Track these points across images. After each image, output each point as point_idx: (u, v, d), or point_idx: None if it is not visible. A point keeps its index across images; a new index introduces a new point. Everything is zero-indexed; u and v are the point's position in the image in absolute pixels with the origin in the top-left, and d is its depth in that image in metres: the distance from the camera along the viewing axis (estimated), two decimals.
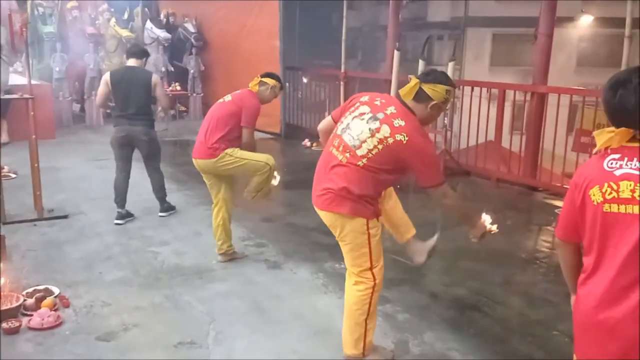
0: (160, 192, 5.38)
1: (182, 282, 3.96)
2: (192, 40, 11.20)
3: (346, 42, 8.91)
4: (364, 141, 2.69)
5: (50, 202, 5.34)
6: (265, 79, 4.29)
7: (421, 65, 7.14)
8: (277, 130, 9.69)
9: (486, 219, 2.97)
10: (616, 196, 1.68)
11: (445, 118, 7.03)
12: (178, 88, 10.71)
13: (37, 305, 3.38)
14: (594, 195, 1.73)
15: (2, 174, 5.67)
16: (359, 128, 2.73)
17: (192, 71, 11.21)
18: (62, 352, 3.05)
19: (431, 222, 3.13)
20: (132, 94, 5.06)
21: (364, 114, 2.77)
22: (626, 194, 1.65)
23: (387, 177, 2.77)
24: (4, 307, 3.24)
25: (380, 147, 2.67)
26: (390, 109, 2.73)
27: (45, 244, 4.56)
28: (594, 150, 1.79)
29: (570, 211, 1.86)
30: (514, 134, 7.14)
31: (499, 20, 20.33)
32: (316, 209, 2.92)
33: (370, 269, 2.86)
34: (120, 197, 5.19)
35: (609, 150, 1.74)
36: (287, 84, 9.87)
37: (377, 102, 2.79)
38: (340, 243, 2.92)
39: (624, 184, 1.66)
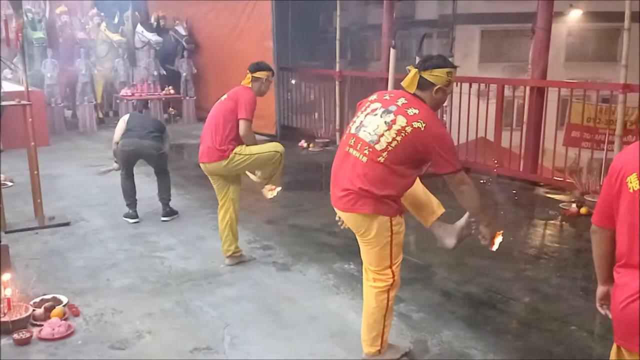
0: (166, 194, 5.35)
1: (191, 287, 3.89)
2: (184, 43, 11.14)
3: (340, 41, 8.85)
4: (382, 135, 2.66)
5: (49, 209, 5.25)
6: (256, 74, 4.24)
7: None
8: (272, 132, 9.63)
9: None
10: None
11: (444, 115, 7.01)
12: (172, 91, 10.62)
13: (46, 315, 3.30)
14: (630, 182, 1.72)
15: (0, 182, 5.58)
16: (375, 123, 2.71)
17: (184, 74, 11.14)
18: None
19: (453, 205, 3.02)
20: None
21: (376, 109, 2.75)
22: None
23: (408, 172, 2.72)
24: (13, 318, 3.16)
25: (399, 138, 2.64)
26: (401, 100, 2.72)
27: (49, 252, 4.48)
28: None
29: (607, 197, 1.86)
30: (504, 130, 7.16)
31: (487, 17, 20.43)
32: (337, 210, 2.86)
33: (390, 266, 2.83)
34: (132, 199, 5.23)
35: None
36: (281, 85, 9.84)
37: (387, 97, 2.79)
38: (360, 242, 2.85)
39: None
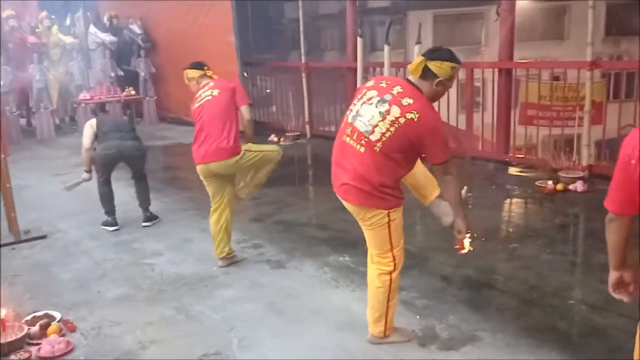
0: (146, 198, 5.21)
1: (188, 292, 3.80)
2: (139, 41, 10.83)
3: (305, 33, 8.79)
4: (376, 125, 2.70)
5: (23, 223, 5.01)
6: (208, 72, 4.30)
7: (386, 51, 7.14)
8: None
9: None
10: None
11: None
12: (133, 93, 10.33)
13: (42, 333, 3.16)
14: None
15: None
16: (369, 113, 2.73)
17: (142, 74, 10.85)
18: None
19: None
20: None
21: (371, 98, 2.77)
22: None
23: (404, 161, 2.77)
24: (8, 339, 3.01)
25: (392, 129, 2.67)
26: (397, 89, 2.73)
27: (31, 267, 4.29)
28: None
29: (626, 183, 1.84)
30: (461, 113, 7.29)
31: (439, 2, 20.71)
32: (339, 197, 2.93)
33: (391, 250, 2.91)
34: (111, 206, 5.07)
35: None
36: (248, 80, 9.71)
37: (383, 84, 2.80)
38: (361, 226, 2.95)
39: None
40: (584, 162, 5.80)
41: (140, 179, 5.19)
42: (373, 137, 2.70)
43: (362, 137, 2.73)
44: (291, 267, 4.15)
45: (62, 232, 5.06)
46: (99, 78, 10.41)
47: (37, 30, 10.19)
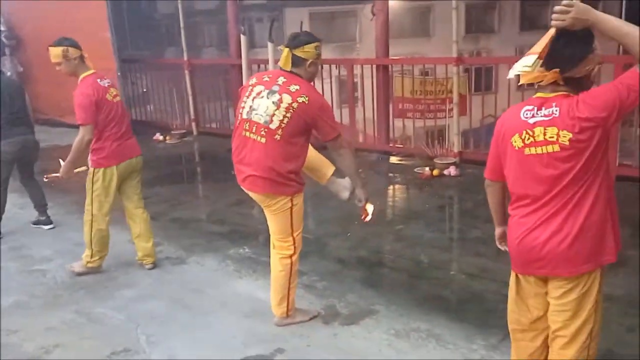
0: (43, 199, 5.02)
1: (86, 295, 3.72)
2: (3, 39, 10.09)
3: (185, 29, 8.70)
4: (273, 115, 2.89)
5: None
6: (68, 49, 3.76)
7: (270, 48, 7.31)
8: None
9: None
10: (533, 140, 2.03)
11: None
12: None
13: None
14: (515, 142, 2.08)
15: None
16: (264, 105, 2.92)
17: (8, 74, 10.08)
18: None
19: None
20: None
21: (260, 92, 2.96)
22: (540, 137, 2.01)
23: (302, 143, 3.00)
24: None
25: (288, 115, 2.89)
26: (281, 79, 2.96)
27: None
28: (519, 83, 2.10)
29: (496, 155, 2.21)
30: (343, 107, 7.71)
31: (314, 0, 21.26)
32: (244, 189, 3.07)
33: (292, 234, 3.13)
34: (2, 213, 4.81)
35: (526, 103, 2.09)
36: (127, 79, 9.41)
37: (266, 78, 3.00)
38: (266, 212, 3.11)
39: (537, 130, 2.01)
40: (455, 149, 6.38)
41: (32, 179, 4.96)
42: (273, 126, 2.88)
43: (262, 128, 2.90)
44: (192, 262, 4.20)
45: None
46: None
47: None
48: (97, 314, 3.49)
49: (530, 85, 2.12)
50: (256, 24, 21.40)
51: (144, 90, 9.83)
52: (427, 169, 6.14)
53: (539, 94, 2.06)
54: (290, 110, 2.87)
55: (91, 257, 3.97)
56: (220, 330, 3.26)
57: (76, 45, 3.81)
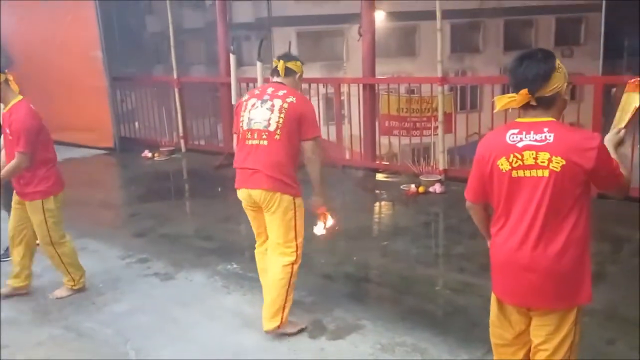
0: None
1: (75, 311, 3.75)
2: None
3: (176, 47, 8.80)
4: (269, 119, 3.17)
5: None
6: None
7: (259, 66, 7.42)
8: (109, 144, 9.24)
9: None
10: (522, 164, 2.09)
11: None
12: None
13: None
14: (502, 165, 2.12)
15: None
16: (260, 113, 3.20)
17: None
18: None
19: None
20: None
21: (254, 104, 3.25)
22: (529, 161, 2.07)
23: (296, 144, 3.23)
24: None
25: (282, 115, 3.16)
26: (270, 89, 3.29)
27: None
28: (495, 111, 2.19)
29: (480, 179, 2.24)
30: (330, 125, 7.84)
31: (301, 19, 21.54)
32: (245, 190, 3.22)
33: (295, 238, 3.26)
34: None
35: (509, 127, 2.15)
36: (117, 97, 9.47)
37: (257, 92, 3.33)
38: (268, 217, 3.23)
39: (527, 154, 2.07)
40: (441, 167, 6.49)
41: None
42: (271, 128, 3.16)
43: (263, 133, 3.17)
44: (181, 277, 4.24)
45: None
46: None
47: None
48: (86, 328, 3.51)
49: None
50: (244, 42, 21.61)
51: (131, 107, 9.90)
52: (413, 186, 6.24)
53: (524, 119, 2.11)
54: (283, 111, 3.16)
55: (74, 281, 3.96)
56: (208, 344, 3.29)
57: None
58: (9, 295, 3.92)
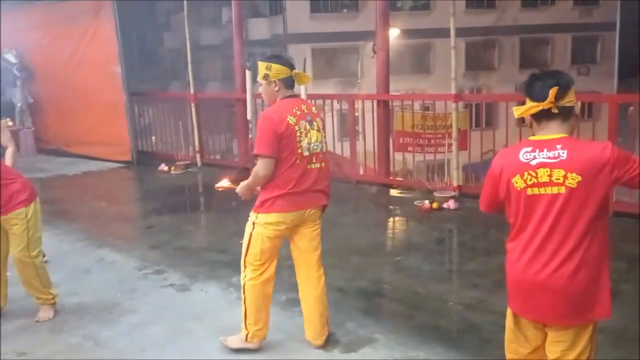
0: None
1: (92, 320, 3.81)
2: (15, 71, 10.38)
3: (192, 64, 8.96)
4: (322, 140, 3.24)
5: None
6: None
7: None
8: (127, 157, 9.38)
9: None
10: (536, 181, 2.12)
11: None
12: (10, 123, 9.83)
13: None
14: (516, 183, 2.15)
15: None
16: (314, 136, 3.19)
17: (18, 104, 10.37)
18: None
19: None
20: None
21: (305, 127, 3.13)
22: (544, 179, 2.10)
23: None
24: None
25: (323, 133, 3.27)
26: (304, 107, 3.18)
27: None
28: (516, 116, 2.22)
29: (493, 192, 2.28)
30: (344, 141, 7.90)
31: (316, 36, 21.76)
32: (302, 211, 3.21)
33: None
34: None
35: (522, 145, 2.19)
36: (135, 111, 9.64)
37: (298, 112, 3.12)
38: (309, 232, 3.30)
39: (541, 171, 2.10)
40: (455, 183, 6.51)
41: None
42: (324, 149, 3.26)
43: (320, 155, 3.22)
44: (196, 289, 4.30)
45: None
46: None
47: None
48: (104, 337, 3.57)
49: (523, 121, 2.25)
50: (260, 59, 21.85)
51: (148, 122, 10.07)
52: (426, 202, 6.26)
53: (537, 137, 2.16)
54: (323, 129, 3.25)
55: (51, 295, 3.91)
56: (222, 356, 3.33)
57: None
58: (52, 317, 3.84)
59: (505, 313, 2.38)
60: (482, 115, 11.47)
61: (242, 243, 3.26)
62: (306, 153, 3.13)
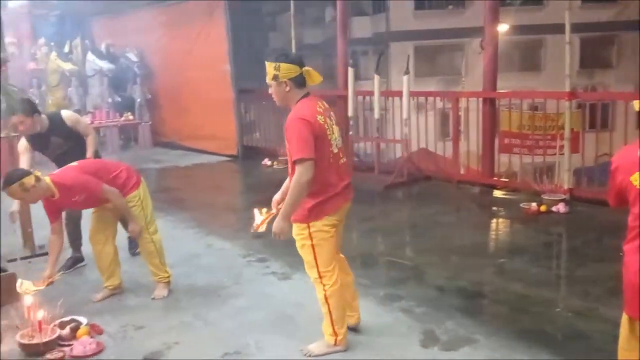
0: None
1: (203, 302, 4.05)
2: (136, 69, 11.17)
3: None
4: (341, 135, 3.27)
5: (37, 239, 5.21)
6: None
7: (376, 80, 7.58)
8: (233, 152, 9.81)
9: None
10: None
11: (405, 127, 7.39)
12: (131, 117, 10.64)
13: (72, 335, 3.40)
14: (635, 180, 2.08)
15: None
16: (336, 131, 3.19)
17: (138, 100, 11.15)
18: None
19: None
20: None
21: (330, 123, 3.12)
22: None
23: None
24: (44, 340, 3.24)
25: (338, 127, 3.22)
26: (321, 104, 3.15)
27: None
28: (637, 109, 2.15)
29: (616, 189, 2.23)
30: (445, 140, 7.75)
31: (419, 34, 21.46)
32: (346, 205, 3.27)
33: None
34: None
35: None
36: (241, 107, 10.06)
37: (321, 109, 3.09)
38: (341, 227, 3.34)
39: None
40: (566, 186, 6.20)
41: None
42: (342, 144, 3.22)
43: (342, 149, 3.22)
44: (297, 278, 4.43)
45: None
46: (95, 103, 10.71)
47: (36, 57, 10.47)
48: (212, 318, 3.79)
49: None
50: (361, 57, 21.95)
51: (253, 118, 10.47)
52: (534, 204, 6.01)
53: None
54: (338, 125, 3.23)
55: (167, 273, 4.25)
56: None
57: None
58: (105, 298, 4.13)
59: (619, 323, 2.27)
60: (598, 116, 10.77)
61: (306, 263, 3.26)
62: (335, 150, 3.12)
